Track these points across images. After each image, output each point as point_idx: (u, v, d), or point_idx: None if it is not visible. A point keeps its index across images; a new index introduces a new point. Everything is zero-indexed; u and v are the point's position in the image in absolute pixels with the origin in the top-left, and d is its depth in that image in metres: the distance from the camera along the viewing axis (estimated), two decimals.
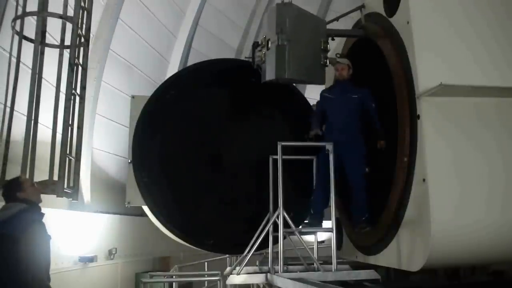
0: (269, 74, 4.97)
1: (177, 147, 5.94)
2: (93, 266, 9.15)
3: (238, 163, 5.93)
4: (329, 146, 4.84)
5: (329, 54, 5.31)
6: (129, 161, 5.92)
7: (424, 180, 4.10)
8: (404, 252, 4.40)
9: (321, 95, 5.47)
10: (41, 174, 4.96)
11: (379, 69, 4.88)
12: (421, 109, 4.22)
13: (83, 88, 5.47)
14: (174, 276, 7.25)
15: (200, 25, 11.55)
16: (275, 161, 4.93)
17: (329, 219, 4.86)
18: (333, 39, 5.47)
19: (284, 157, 4.83)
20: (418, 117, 4.25)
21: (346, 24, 5.88)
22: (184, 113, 6.02)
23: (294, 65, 4.86)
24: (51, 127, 4.99)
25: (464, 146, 4.21)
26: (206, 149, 5.96)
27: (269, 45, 4.95)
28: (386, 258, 4.69)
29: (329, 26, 5.38)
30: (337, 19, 5.73)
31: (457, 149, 4.18)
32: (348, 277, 4.67)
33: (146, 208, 5.98)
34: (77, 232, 8.34)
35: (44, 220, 4.05)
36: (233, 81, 6.02)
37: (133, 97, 6.37)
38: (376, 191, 4.92)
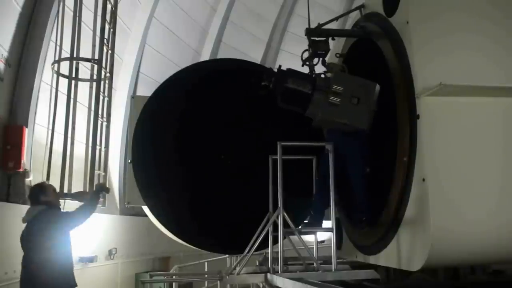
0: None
1: (177, 147, 5.94)
2: (93, 266, 9.17)
3: (239, 163, 5.93)
4: (329, 146, 4.84)
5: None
6: (129, 161, 5.92)
7: (423, 180, 4.09)
8: (404, 252, 4.39)
9: None
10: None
11: (378, 69, 4.87)
12: (420, 108, 4.21)
13: (109, 115, 6.77)
14: (174, 276, 7.26)
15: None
16: (274, 161, 4.92)
17: (329, 219, 4.86)
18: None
19: (284, 157, 4.82)
20: (418, 116, 4.23)
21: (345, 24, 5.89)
22: (184, 113, 6.02)
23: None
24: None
25: (464, 146, 4.19)
26: (206, 149, 5.96)
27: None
28: (386, 257, 4.68)
29: (328, 26, 5.38)
30: (336, 18, 5.73)
31: (457, 149, 4.16)
32: (347, 277, 4.67)
33: (146, 208, 5.98)
34: (77, 232, 8.33)
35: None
36: (234, 81, 6.02)
37: (133, 97, 6.39)
38: (376, 191, 4.91)
